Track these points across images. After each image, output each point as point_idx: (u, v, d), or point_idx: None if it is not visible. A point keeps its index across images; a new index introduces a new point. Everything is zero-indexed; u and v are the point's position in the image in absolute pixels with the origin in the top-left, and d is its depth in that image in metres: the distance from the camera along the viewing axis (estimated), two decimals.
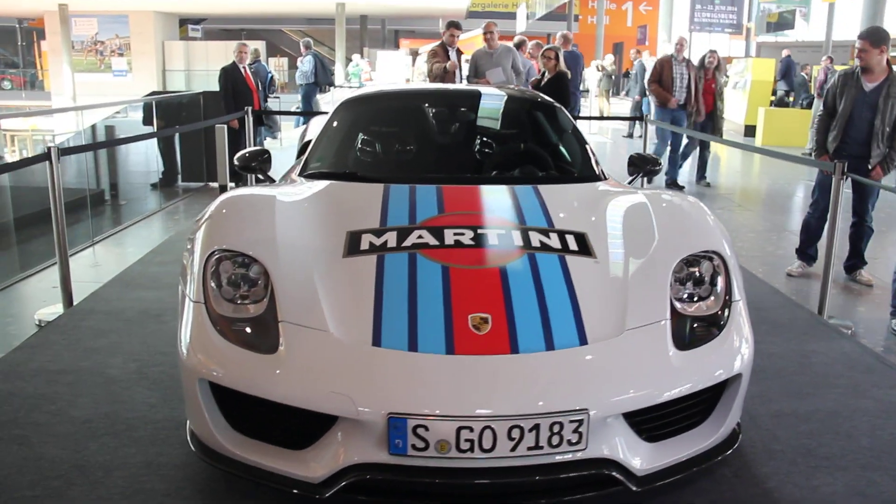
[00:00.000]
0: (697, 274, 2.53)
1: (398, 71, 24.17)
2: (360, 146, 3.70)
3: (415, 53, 27.60)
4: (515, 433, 1.97)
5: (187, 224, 6.37)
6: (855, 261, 5.55)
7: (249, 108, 7.47)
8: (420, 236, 2.59)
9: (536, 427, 1.98)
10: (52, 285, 5.16)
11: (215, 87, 8.37)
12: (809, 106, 14.66)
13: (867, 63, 5.11)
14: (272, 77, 11.41)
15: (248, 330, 2.26)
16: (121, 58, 26.16)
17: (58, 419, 2.79)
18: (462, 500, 2.08)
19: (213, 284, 2.37)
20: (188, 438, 2.38)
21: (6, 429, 2.71)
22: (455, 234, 2.61)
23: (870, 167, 5.10)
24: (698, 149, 9.63)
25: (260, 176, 3.82)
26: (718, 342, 2.35)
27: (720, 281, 2.52)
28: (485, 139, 3.76)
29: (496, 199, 2.95)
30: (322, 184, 3.18)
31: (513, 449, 1.98)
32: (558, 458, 2.03)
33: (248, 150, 3.71)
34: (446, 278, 2.38)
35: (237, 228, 2.59)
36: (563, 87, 7.51)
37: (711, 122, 9.32)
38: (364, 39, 31.87)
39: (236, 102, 7.97)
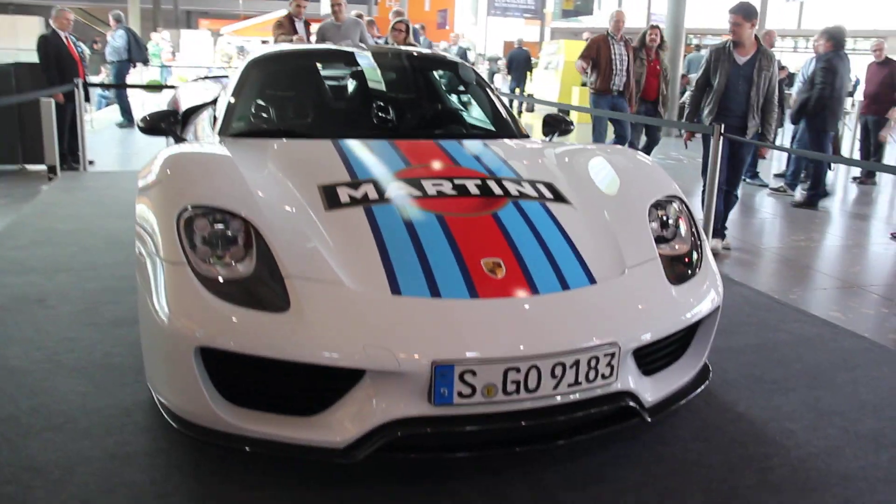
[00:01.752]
0: (664, 217, 2.63)
1: (201, 51, 23.03)
2: (281, 104, 3.46)
3: (217, 34, 26.39)
4: (558, 370, 1.96)
5: (18, 208, 5.64)
6: (717, 226, 5.94)
7: (80, 81, 6.71)
8: (399, 188, 2.48)
9: (577, 363, 1.98)
10: None
11: None
12: None
13: (739, 37, 5.20)
14: (82, 51, 10.33)
15: (245, 289, 2.04)
16: None
17: None
18: (505, 445, 2.03)
19: (187, 245, 2.11)
20: (168, 418, 2.11)
21: None
22: (434, 184, 2.52)
23: (748, 137, 5.33)
24: (645, 138, 8.14)
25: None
26: (701, 277, 2.47)
27: (682, 223, 2.64)
28: (404, 96, 3.66)
29: (455, 152, 2.88)
30: (260, 142, 2.94)
31: (555, 387, 1.96)
32: (593, 392, 2.04)
33: (153, 111, 3.34)
34: (444, 225, 2.29)
35: (204, 185, 2.32)
36: None
37: (657, 110, 8.03)
38: (157, 19, 29.85)
39: (60, 74, 7.14)
